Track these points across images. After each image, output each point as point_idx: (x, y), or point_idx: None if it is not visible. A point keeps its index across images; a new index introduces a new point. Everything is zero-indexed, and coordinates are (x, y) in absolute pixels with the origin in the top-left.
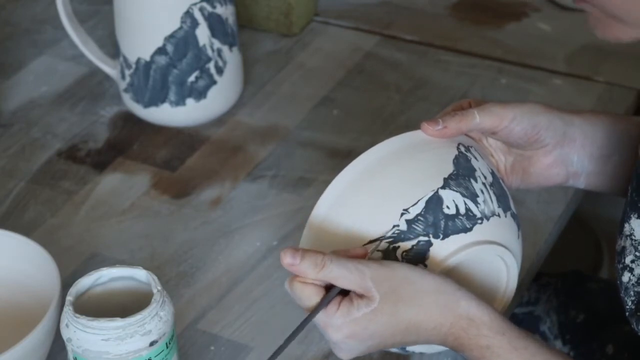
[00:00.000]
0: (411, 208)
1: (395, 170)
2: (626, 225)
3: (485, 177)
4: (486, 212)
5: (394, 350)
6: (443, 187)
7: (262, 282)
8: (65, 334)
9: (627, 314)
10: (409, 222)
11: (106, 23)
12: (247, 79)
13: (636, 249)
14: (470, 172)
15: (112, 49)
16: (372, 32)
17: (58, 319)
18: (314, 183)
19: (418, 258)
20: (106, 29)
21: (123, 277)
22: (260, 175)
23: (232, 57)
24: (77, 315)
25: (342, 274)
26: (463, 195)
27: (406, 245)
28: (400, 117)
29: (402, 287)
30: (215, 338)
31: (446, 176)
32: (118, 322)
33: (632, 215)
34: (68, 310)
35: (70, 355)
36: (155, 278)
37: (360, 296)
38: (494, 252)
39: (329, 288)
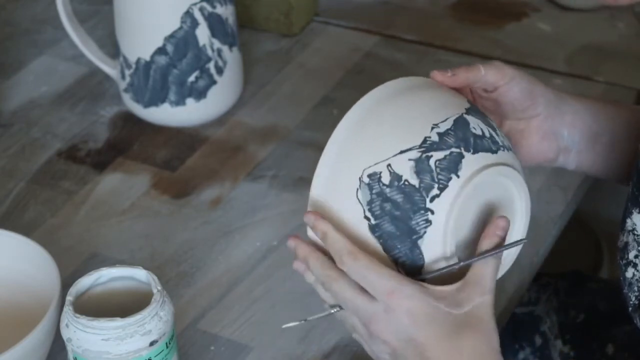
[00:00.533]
0: (441, 123)
1: (420, 94)
2: (628, 220)
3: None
4: (505, 143)
5: None
6: (467, 113)
7: (262, 282)
8: (65, 334)
9: (630, 309)
10: (440, 135)
11: (106, 23)
12: (247, 79)
13: (639, 244)
14: (484, 114)
15: (112, 49)
16: (372, 32)
17: (58, 319)
18: None
19: (451, 167)
20: (106, 29)
21: (123, 277)
22: (260, 175)
23: (232, 57)
24: (77, 315)
25: (478, 277)
26: (485, 124)
27: (439, 154)
28: None
29: (485, 326)
30: (215, 338)
31: (467, 107)
32: (118, 322)
33: (633, 211)
34: (68, 310)
35: (70, 355)
36: (155, 278)
37: (447, 296)
38: (517, 179)
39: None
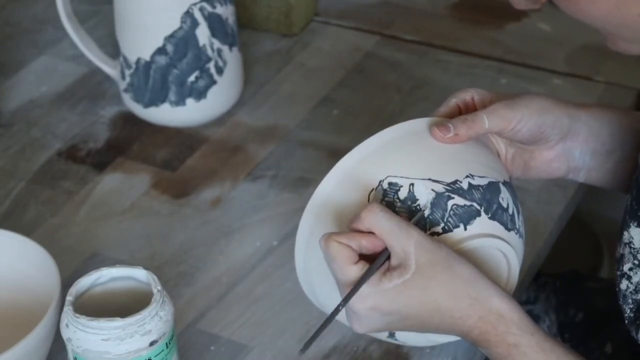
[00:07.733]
0: (477, 177)
1: (473, 143)
2: (625, 233)
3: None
4: (521, 230)
5: (389, 340)
6: (504, 183)
7: (262, 282)
8: (65, 333)
9: (626, 321)
10: (470, 186)
11: (106, 23)
12: (247, 79)
13: (635, 257)
14: (517, 195)
15: (112, 49)
16: (372, 32)
17: (58, 319)
18: (313, 183)
19: (464, 218)
20: (106, 29)
21: (123, 277)
22: (260, 175)
23: (232, 57)
24: (77, 315)
25: (391, 228)
26: (513, 203)
27: (460, 201)
28: (400, 117)
29: (440, 265)
30: (215, 338)
31: (507, 179)
32: (118, 322)
33: (631, 224)
34: (68, 310)
35: (70, 355)
36: (155, 278)
37: (395, 267)
38: (514, 263)
39: (364, 258)
